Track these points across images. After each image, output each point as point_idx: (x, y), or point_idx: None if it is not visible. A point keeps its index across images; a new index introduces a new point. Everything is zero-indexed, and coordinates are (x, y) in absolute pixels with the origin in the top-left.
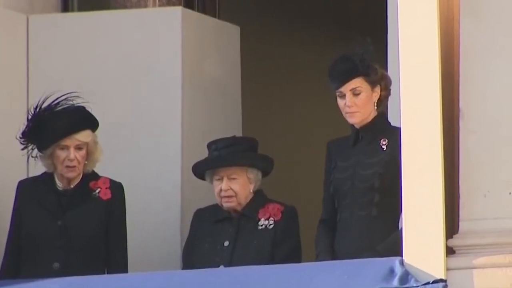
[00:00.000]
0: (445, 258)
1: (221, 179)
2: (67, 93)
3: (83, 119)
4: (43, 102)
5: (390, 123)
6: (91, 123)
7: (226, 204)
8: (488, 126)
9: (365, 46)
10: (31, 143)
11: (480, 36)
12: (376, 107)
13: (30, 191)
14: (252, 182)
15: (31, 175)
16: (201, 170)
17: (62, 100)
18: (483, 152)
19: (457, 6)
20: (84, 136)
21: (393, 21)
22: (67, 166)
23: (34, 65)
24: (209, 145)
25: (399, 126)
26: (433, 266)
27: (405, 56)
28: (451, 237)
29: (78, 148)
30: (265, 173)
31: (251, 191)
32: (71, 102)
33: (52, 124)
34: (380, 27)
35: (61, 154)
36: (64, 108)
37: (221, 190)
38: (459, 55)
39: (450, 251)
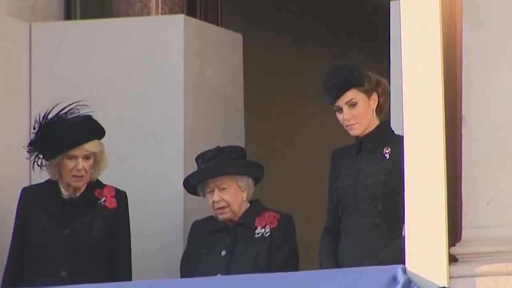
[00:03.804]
0: (448, 266)
1: (212, 191)
2: (75, 102)
3: (92, 129)
4: (50, 111)
5: (393, 132)
6: (99, 132)
7: (221, 216)
8: (491, 134)
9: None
10: (38, 152)
11: (482, 43)
12: (376, 114)
13: (34, 199)
14: (244, 190)
15: (33, 182)
16: (191, 184)
17: (71, 109)
18: (485, 160)
19: (459, 14)
20: (92, 146)
21: (396, 29)
22: (75, 176)
23: (36, 73)
24: (197, 159)
25: (402, 135)
26: (435, 274)
27: (407, 64)
28: (454, 245)
29: (86, 157)
30: (257, 180)
31: (244, 199)
32: (79, 111)
33: (62, 134)
34: (383, 35)
35: (69, 163)
36: (73, 118)
37: (213, 202)
38: (461, 62)
39: (453, 259)
